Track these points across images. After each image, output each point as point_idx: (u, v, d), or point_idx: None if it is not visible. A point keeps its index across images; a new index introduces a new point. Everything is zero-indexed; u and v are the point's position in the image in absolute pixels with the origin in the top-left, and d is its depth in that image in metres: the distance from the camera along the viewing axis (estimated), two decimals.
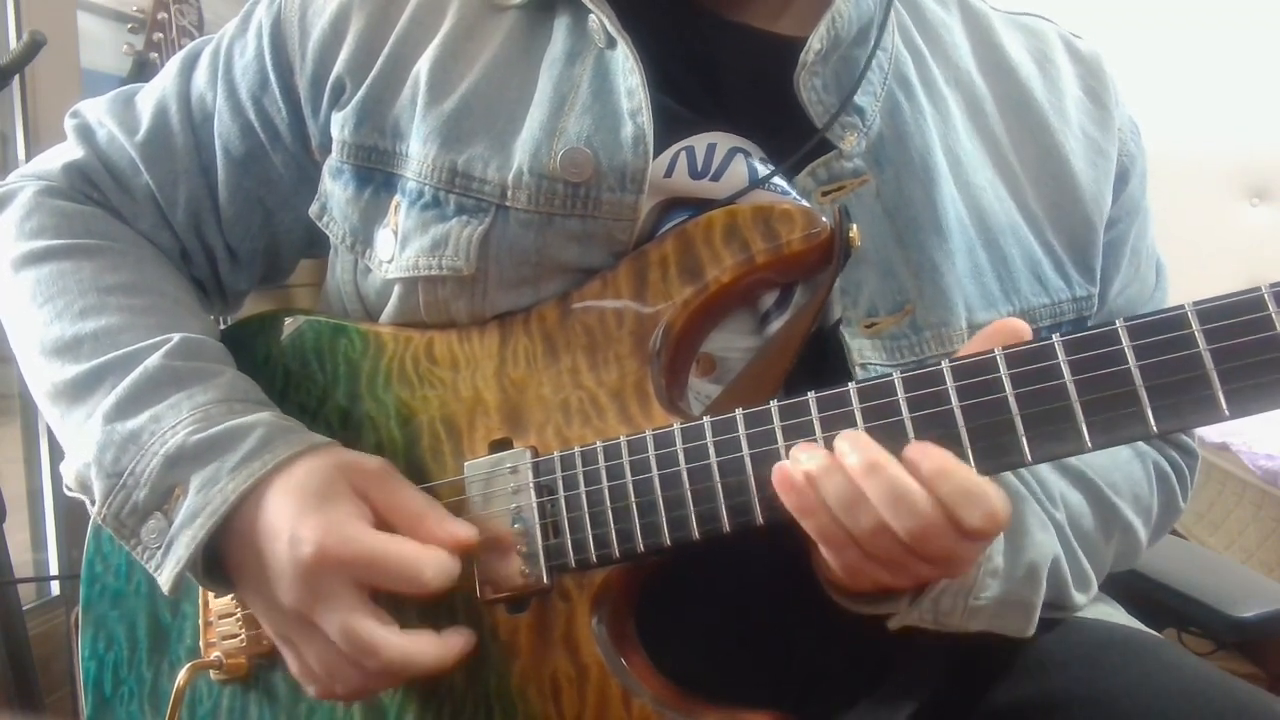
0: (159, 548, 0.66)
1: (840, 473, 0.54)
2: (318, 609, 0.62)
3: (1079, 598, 0.72)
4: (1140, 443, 0.78)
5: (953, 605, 0.64)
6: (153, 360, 0.69)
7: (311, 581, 0.62)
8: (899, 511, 0.53)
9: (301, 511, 0.62)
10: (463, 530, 0.64)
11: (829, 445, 0.56)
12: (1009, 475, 0.68)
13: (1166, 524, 0.81)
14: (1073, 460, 0.72)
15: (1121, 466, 0.75)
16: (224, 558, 0.67)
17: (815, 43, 0.68)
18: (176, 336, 0.71)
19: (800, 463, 0.56)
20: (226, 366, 0.72)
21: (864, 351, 0.67)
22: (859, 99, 0.70)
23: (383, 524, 0.64)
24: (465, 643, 0.64)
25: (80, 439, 0.69)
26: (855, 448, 0.55)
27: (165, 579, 0.65)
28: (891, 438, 0.56)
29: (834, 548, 0.57)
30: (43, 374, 0.72)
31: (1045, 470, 0.70)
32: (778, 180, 0.68)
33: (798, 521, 0.56)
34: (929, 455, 0.54)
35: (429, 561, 0.61)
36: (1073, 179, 0.74)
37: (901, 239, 0.69)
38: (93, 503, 0.68)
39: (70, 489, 0.71)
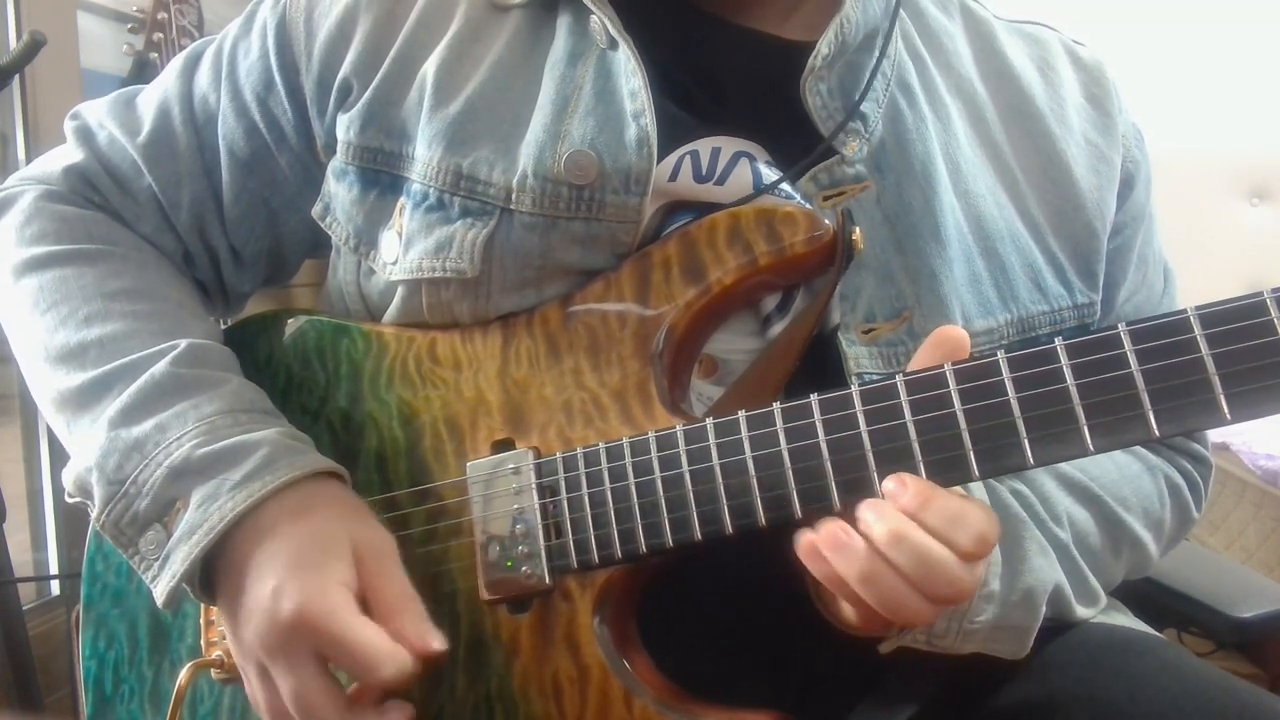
0: (156, 560, 0.65)
1: (866, 552, 0.54)
2: (278, 665, 0.62)
3: (1083, 611, 0.72)
4: (1151, 455, 0.79)
5: (946, 628, 0.64)
6: (159, 367, 0.69)
7: (280, 637, 0.61)
8: (929, 579, 0.54)
9: (297, 564, 0.62)
10: (435, 641, 0.62)
11: (828, 444, 0.57)
12: (1010, 498, 0.68)
13: (1180, 535, 0.81)
14: (1080, 477, 0.72)
15: (1131, 481, 0.75)
16: (214, 573, 0.66)
17: (824, 47, 0.68)
18: (183, 343, 0.71)
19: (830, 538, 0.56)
20: (233, 374, 0.72)
21: (860, 360, 0.67)
22: (863, 105, 0.69)
23: (361, 599, 0.62)
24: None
25: (83, 444, 0.69)
26: (880, 517, 0.55)
27: (160, 592, 0.65)
28: (893, 440, 0.56)
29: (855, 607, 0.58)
30: (48, 381, 0.72)
31: (1051, 488, 0.70)
32: (781, 184, 0.68)
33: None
34: (907, 486, 0.54)
35: (391, 660, 0.60)
36: (1074, 185, 0.74)
37: (901, 245, 0.69)
38: (92, 507, 0.68)
39: (71, 495, 0.70)
